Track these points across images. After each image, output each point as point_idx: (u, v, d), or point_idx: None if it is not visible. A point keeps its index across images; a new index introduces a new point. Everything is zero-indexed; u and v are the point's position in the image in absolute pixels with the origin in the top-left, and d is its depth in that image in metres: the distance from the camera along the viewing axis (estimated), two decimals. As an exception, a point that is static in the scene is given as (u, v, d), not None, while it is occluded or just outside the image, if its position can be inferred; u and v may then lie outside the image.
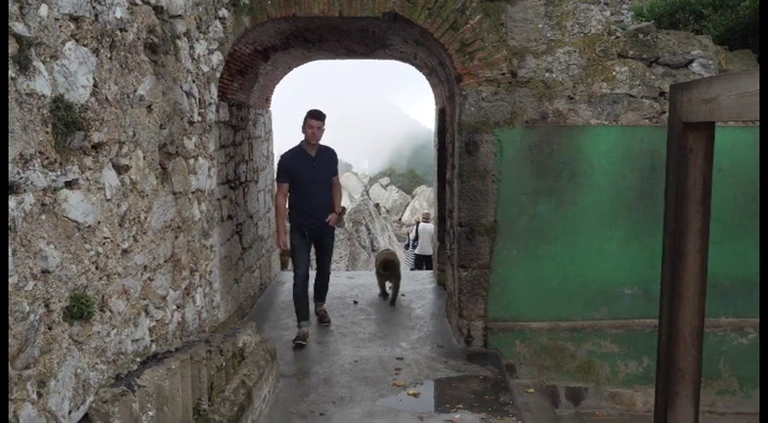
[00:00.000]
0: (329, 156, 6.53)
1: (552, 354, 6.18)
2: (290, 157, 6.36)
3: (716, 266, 5.39)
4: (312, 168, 6.31)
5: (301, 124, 6.30)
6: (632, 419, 6.08)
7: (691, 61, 5.89)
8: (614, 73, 5.88)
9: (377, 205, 25.00)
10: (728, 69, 5.80)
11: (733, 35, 6.19)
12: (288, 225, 6.68)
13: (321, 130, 6.30)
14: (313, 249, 6.73)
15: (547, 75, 5.89)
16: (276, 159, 7.20)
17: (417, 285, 8.95)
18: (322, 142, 6.45)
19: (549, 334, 6.15)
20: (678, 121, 4.30)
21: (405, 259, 17.22)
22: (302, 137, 6.41)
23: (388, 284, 8.24)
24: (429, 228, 13.58)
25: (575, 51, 5.87)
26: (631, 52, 5.89)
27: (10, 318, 2.17)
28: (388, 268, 8.07)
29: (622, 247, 6.06)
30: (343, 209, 7.67)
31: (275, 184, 6.77)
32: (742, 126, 5.83)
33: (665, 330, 4.49)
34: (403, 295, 8.21)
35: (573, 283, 6.09)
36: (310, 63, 8.84)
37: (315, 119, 6.24)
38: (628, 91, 5.88)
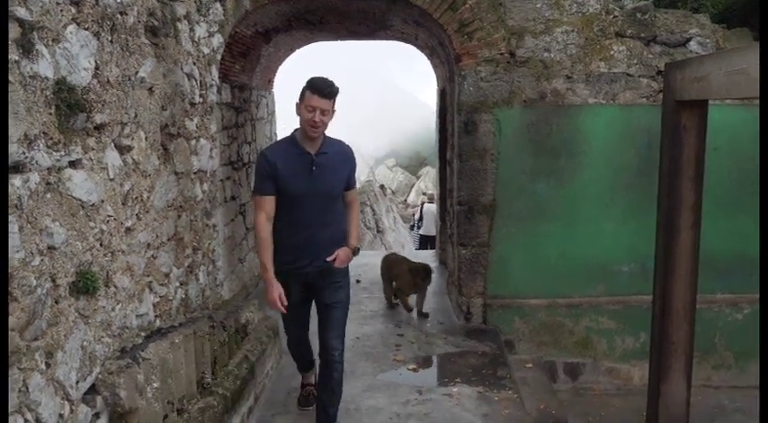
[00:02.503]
0: (342, 156, 3.91)
1: (550, 330, 6.28)
2: (274, 154, 3.77)
3: (712, 243, 5.48)
4: (310, 173, 3.71)
5: (296, 103, 3.76)
6: (629, 394, 6.20)
7: (688, 40, 5.92)
8: (612, 52, 5.92)
9: (382, 186, 25.11)
10: (726, 48, 5.83)
11: (731, 14, 6.23)
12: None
13: (329, 114, 3.68)
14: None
15: (545, 54, 5.93)
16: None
17: (420, 264, 9.05)
18: (330, 133, 3.93)
19: (547, 310, 6.26)
20: (672, 100, 4.36)
21: (410, 240, 17.32)
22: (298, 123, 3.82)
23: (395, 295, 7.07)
24: (433, 208, 13.67)
25: (573, 31, 5.91)
26: (629, 31, 5.93)
27: (17, 291, 2.27)
28: (429, 276, 6.66)
29: (620, 224, 6.14)
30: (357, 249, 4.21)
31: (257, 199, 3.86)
32: (739, 104, 5.87)
33: (659, 305, 4.58)
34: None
35: (571, 260, 6.18)
36: (315, 44, 8.89)
37: (319, 95, 3.62)
38: (625, 70, 5.93)
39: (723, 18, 6.26)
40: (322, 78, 3.67)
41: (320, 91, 3.61)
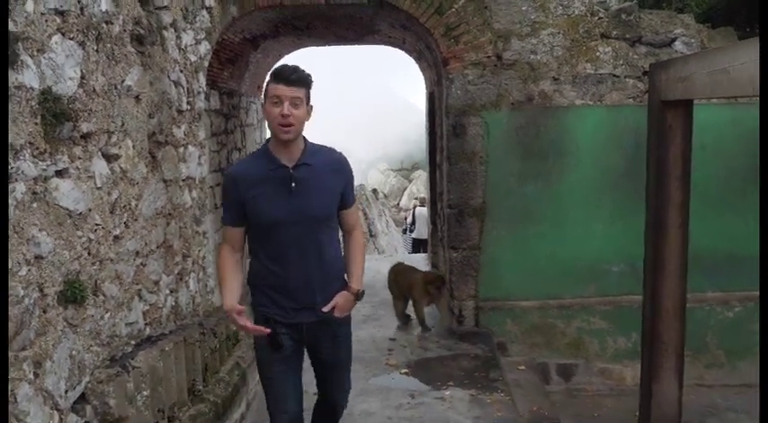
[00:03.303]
0: (331, 166, 3.06)
1: (542, 331, 6.30)
2: (240, 172, 3.01)
3: (701, 242, 5.50)
4: (288, 192, 2.90)
5: (261, 102, 3.29)
6: (622, 394, 6.22)
7: (673, 40, 5.97)
8: (598, 53, 5.97)
9: (374, 190, 25.13)
10: (711, 47, 5.88)
11: (715, 13, 6.28)
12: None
13: (302, 107, 2.87)
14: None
15: (532, 57, 5.97)
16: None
17: (412, 268, 9.06)
18: (320, 139, 3.22)
19: (538, 312, 6.28)
20: (657, 100, 4.39)
21: (402, 244, 17.34)
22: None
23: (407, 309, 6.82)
24: (425, 212, 13.68)
25: (558, 33, 5.95)
26: (614, 32, 5.97)
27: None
28: (444, 286, 6.39)
29: (609, 224, 6.17)
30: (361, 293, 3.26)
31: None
32: (725, 103, 5.92)
33: (649, 304, 4.60)
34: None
35: (561, 261, 6.20)
36: (305, 49, 8.92)
37: (285, 83, 2.84)
38: (611, 71, 5.97)
39: (707, 18, 6.32)
40: (287, 66, 2.88)
41: (285, 78, 2.79)
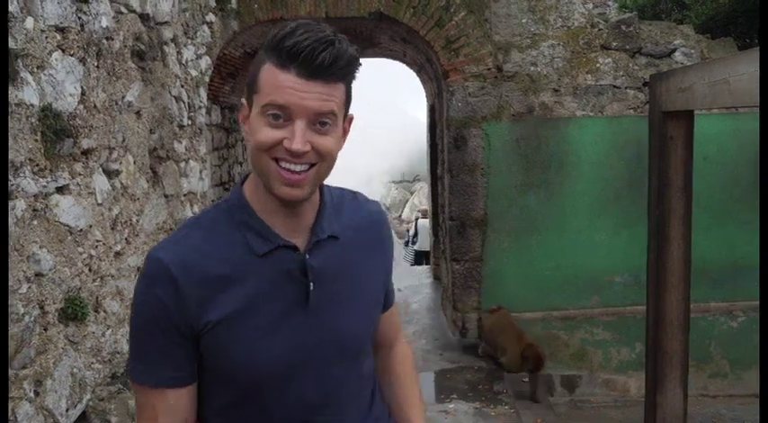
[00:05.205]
0: (370, 232, 1.47)
1: (546, 343, 6.25)
2: (191, 262, 1.25)
3: (704, 252, 5.49)
4: (304, 305, 1.30)
5: (240, 109, 1.36)
6: (626, 405, 6.18)
7: (673, 51, 5.98)
8: (598, 64, 5.97)
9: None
10: (711, 57, 5.89)
11: (714, 24, 6.29)
12: None
13: (334, 131, 1.23)
14: None
15: (532, 68, 5.98)
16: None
17: (414, 280, 9.06)
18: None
19: (542, 323, 6.25)
20: (658, 111, 4.39)
21: (404, 256, 17.31)
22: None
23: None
24: (428, 223, 13.67)
25: (559, 44, 5.96)
26: (614, 44, 5.98)
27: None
28: (541, 366, 5.41)
29: (612, 235, 6.15)
30: None
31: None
32: (726, 113, 5.92)
33: (652, 315, 4.57)
34: (399, 290, 8.30)
35: (564, 272, 6.18)
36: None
37: (306, 73, 1.16)
38: (612, 82, 5.98)
39: (707, 28, 6.33)
40: (304, 25, 1.20)
41: (309, 61, 1.17)
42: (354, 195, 1.53)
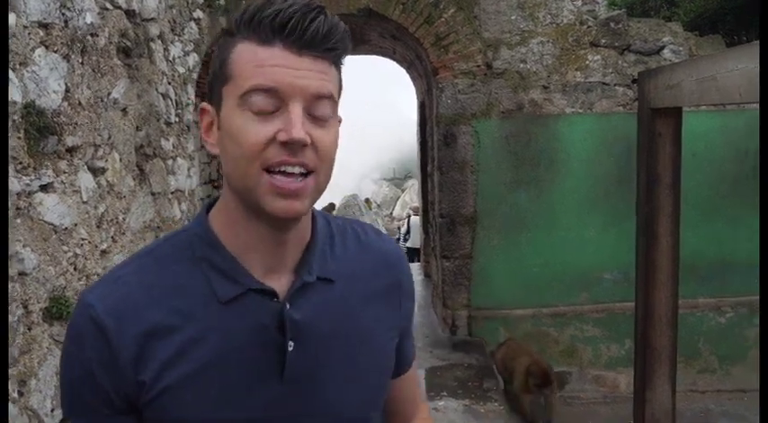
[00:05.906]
0: (380, 277, 1.13)
1: (536, 339, 6.28)
2: (133, 311, 0.95)
3: (692, 248, 5.51)
4: (279, 370, 0.99)
5: (201, 114, 1.06)
6: (616, 401, 6.20)
7: (662, 48, 5.99)
8: (587, 62, 5.98)
9: (367, 200, 25.11)
10: (699, 54, 5.91)
11: (702, 21, 6.30)
12: None
13: (332, 125, 0.97)
14: None
15: (521, 65, 5.98)
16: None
17: (404, 278, 9.04)
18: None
19: (532, 320, 6.26)
20: (646, 108, 4.39)
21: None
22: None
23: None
24: (419, 221, 13.67)
25: (548, 41, 5.96)
26: (603, 41, 5.99)
27: (-12, 319, 2.24)
28: (549, 384, 5.26)
29: (601, 232, 6.16)
30: None
31: None
32: (714, 110, 5.94)
33: (641, 311, 4.58)
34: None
35: (554, 269, 6.19)
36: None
37: (295, 45, 0.91)
38: (601, 79, 5.98)
39: (695, 25, 6.35)
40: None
41: (299, 30, 0.91)
42: (363, 228, 1.18)
